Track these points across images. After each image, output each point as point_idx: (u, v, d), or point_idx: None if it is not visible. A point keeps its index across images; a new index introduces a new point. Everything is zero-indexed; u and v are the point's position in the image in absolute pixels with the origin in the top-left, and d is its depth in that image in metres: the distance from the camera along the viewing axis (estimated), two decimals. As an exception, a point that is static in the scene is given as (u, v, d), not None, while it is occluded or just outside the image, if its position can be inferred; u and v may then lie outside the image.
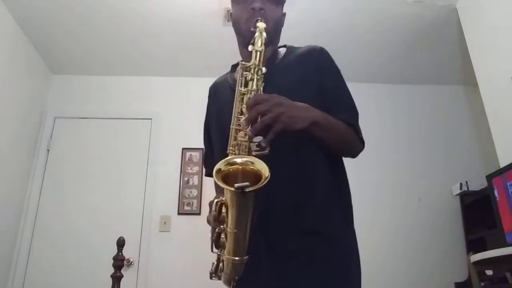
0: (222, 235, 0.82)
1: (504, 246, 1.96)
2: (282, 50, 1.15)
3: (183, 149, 3.12)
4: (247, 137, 0.84)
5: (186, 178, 3.05)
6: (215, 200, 0.81)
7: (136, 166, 3.07)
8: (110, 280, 1.51)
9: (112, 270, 1.52)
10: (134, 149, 3.12)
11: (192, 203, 2.96)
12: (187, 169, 3.08)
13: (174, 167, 3.08)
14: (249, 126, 0.83)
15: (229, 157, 0.83)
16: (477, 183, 2.79)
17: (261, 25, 0.99)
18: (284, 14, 1.16)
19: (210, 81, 1.23)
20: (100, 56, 3.13)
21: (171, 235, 2.88)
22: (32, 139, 3.03)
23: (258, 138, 0.81)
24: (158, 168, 3.07)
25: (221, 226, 0.81)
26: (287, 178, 0.95)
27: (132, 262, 2.77)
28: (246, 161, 0.80)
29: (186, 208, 2.95)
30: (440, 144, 3.28)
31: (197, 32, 2.83)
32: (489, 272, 2.21)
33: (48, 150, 3.07)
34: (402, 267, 2.88)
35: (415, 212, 3.04)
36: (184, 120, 3.16)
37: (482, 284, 2.19)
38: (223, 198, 0.80)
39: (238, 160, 0.81)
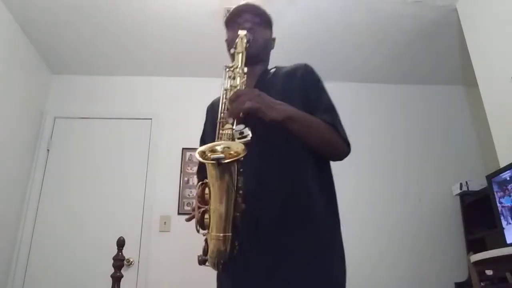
0: (206, 216, 0.87)
1: (504, 246, 1.96)
2: (273, 70, 1.24)
3: (183, 149, 3.12)
4: (231, 127, 0.92)
5: (186, 178, 3.05)
6: (199, 182, 0.88)
7: (136, 166, 3.06)
8: (110, 280, 1.51)
9: (112, 270, 1.52)
10: (134, 149, 3.12)
11: (192, 203, 2.93)
12: (187, 169, 3.08)
13: (174, 167, 3.08)
14: (232, 117, 0.91)
15: (211, 144, 0.89)
16: (477, 183, 2.79)
17: (241, 32, 1.11)
18: (274, 39, 1.27)
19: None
20: (100, 56, 3.13)
21: (171, 235, 2.88)
22: (32, 139, 3.03)
23: (240, 127, 0.88)
24: (158, 168, 3.07)
25: (205, 206, 0.87)
26: (273, 174, 1.01)
27: (132, 262, 2.77)
28: (224, 147, 0.86)
29: (186, 208, 2.95)
30: (440, 144, 3.28)
31: (197, 32, 2.83)
32: (489, 272, 2.21)
33: (48, 150, 3.07)
34: (402, 267, 2.88)
35: (415, 212, 3.04)
36: (184, 120, 3.16)
37: (482, 284, 2.19)
38: (207, 180, 0.86)
39: (218, 147, 0.86)
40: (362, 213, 3.00)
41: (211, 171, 0.83)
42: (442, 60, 3.17)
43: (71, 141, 3.12)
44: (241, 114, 0.93)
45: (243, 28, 1.14)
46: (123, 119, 3.21)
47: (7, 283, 2.66)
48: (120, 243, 1.56)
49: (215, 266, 0.88)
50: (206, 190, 0.87)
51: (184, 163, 3.09)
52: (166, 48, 3.04)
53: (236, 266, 0.93)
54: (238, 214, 0.86)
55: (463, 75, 3.28)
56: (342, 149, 1.07)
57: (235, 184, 0.85)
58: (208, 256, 0.88)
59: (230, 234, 0.85)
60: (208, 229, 0.86)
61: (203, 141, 1.27)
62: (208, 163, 0.82)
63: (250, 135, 0.87)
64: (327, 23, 2.77)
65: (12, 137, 2.75)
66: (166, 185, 3.02)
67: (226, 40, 1.25)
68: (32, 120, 3.04)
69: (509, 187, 2.00)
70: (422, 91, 3.47)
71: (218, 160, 0.79)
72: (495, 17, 2.25)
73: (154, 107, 3.27)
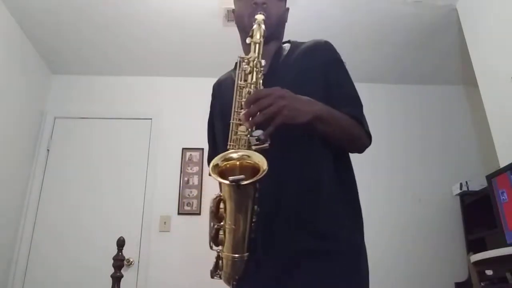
0: (221, 232, 0.79)
1: (504, 246, 1.96)
2: (287, 46, 1.12)
3: (183, 149, 3.12)
4: (247, 131, 0.81)
5: (186, 178, 3.05)
6: (214, 197, 0.79)
7: (136, 166, 3.06)
8: (110, 280, 1.52)
9: (112, 270, 1.53)
10: (134, 149, 3.12)
11: (192, 203, 2.96)
12: (187, 169, 3.08)
13: (174, 167, 3.08)
14: (249, 121, 0.79)
15: (225, 152, 0.80)
16: (477, 183, 2.79)
17: (259, 17, 0.97)
18: (287, 9, 1.16)
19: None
20: (100, 56, 3.13)
21: (171, 235, 2.88)
22: (32, 139, 3.03)
23: (258, 132, 0.77)
24: (158, 168, 3.07)
25: (220, 223, 0.78)
26: (290, 175, 0.92)
27: (132, 262, 2.77)
28: (242, 155, 0.77)
29: (186, 208, 2.95)
30: (440, 144, 3.28)
31: (198, 32, 2.83)
32: (489, 272, 2.21)
33: (48, 150, 3.07)
34: (402, 267, 2.88)
35: (415, 212, 3.04)
36: (184, 120, 3.16)
37: (482, 284, 2.19)
38: (222, 194, 0.77)
39: (234, 155, 0.78)
40: (362, 214, 3.00)
41: (226, 188, 0.75)
42: (442, 60, 3.17)
43: (71, 141, 3.12)
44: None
45: (255, 2, 1.01)
46: (123, 119, 3.21)
47: (7, 282, 2.66)
48: (120, 243, 1.56)
49: (229, 283, 0.84)
50: (221, 204, 0.79)
51: (184, 163, 3.09)
52: (166, 48, 3.04)
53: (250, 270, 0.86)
54: (253, 220, 0.80)
55: (463, 75, 3.28)
56: (364, 143, 1.03)
57: (254, 201, 0.77)
58: (222, 272, 0.83)
59: (246, 254, 0.80)
60: (223, 246, 0.80)
61: (211, 125, 1.16)
62: (225, 183, 0.72)
63: (269, 141, 0.77)
64: (326, 22, 2.77)
65: (12, 137, 2.75)
66: (166, 185, 3.02)
67: (233, 11, 1.14)
68: (32, 120, 3.04)
69: None
70: (422, 91, 3.46)
71: (237, 181, 0.70)
72: (495, 17, 2.25)
73: (154, 107, 3.27)
